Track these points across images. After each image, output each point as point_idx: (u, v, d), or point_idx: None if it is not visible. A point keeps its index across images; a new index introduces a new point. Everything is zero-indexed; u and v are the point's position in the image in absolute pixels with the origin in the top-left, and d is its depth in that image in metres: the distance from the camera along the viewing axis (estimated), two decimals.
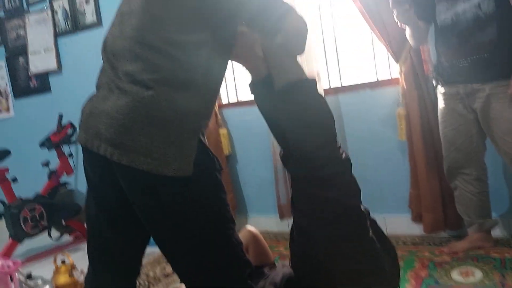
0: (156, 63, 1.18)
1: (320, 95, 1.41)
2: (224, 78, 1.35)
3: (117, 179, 1.25)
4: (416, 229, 2.75)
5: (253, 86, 1.43)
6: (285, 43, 1.28)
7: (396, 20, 2.19)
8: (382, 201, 2.87)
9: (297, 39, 1.29)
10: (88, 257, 1.45)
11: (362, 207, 1.37)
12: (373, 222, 1.43)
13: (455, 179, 2.38)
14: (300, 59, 1.44)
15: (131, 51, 1.21)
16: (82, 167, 1.37)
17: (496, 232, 2.49)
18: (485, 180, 2.35)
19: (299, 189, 1.36)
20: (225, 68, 1.33)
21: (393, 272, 1.40)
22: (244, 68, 1.46)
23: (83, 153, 1.33)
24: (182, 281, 1.39)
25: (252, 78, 1.43)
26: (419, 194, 2.64)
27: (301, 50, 1.33)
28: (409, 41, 2.36)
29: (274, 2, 1.25)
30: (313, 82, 1.39)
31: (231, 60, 1.43)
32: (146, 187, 1.20)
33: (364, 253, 1.30)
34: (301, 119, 1.32)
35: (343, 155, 1.35)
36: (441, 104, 2.35)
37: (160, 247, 1.34)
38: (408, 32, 2.30)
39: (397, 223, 2.83)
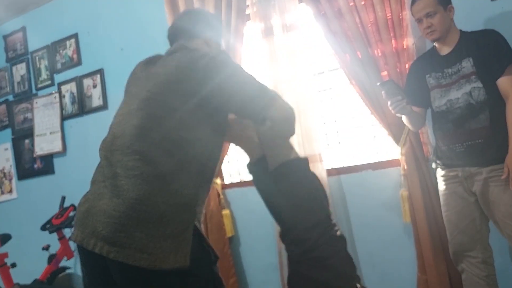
0: (154, 158, 1.22)
1: (313, 174, 1.42)
2: (221, 160, 1.40)
3: (111, 278, 1.24)
4: None
5: (250, 167, 1.47)
6: (274, 129, 1.34)
7: (390, 109, 2.26)
8: (390, 286, 2.80)
9: (284, 124, 1.36)
10: None
11: (358, 285, 1.33)
12: None
13: (462, 262, 2.34)
14: (295, 139, 1.50)
15: (129, 147, 1.25)
16: None
17: None
18: (492, 263, 2.31)
19: (295, 270, 1.34)
20: (219, 155, 1.38)
21: None
22: (241, 149, 1.51)
23: (78, 251, 1.32)
24: None
25: (249, 158, 1.47)
26: (427, 279, 2.58)
27: (290, 133, 1.39)
28: (407, 126, 2.43)
29: (258, 93, 1.33)
30: (304, 162, 1.42)
31: (228, 141, 1.51)
32: (143, 284, 1.19)
33: None
34: (294, 199, 1.34)
35: (338, 233, 1.34)
36: (441, 187, 2.36)
37: None
38: (404, 119, 2.37)
39: None
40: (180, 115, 1.27)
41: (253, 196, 3.21)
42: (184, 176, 1.23)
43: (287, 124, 1.37)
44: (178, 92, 1.29)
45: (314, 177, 1.40)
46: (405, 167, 2.66)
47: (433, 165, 2.43)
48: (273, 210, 1.42)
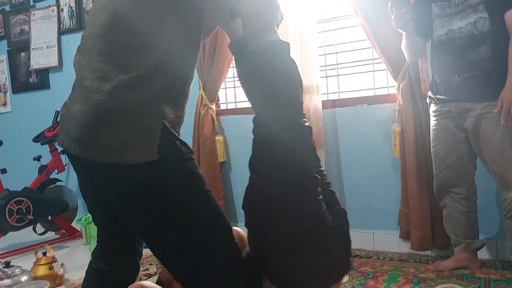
0: (117, 57, 1.20)
1: (292, 60, 1.35)
2: (194, 69, 1.33)
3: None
4: (404, 247, 2.74)
5: (231, 46, 1.39)
6: (247, 25, 1.27)
7: (392, 23, 2.22)
8: (372, 217, 2.87)
9: (258, 18, 1.28)
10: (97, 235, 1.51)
11: (318, 179, 1.33)
12: (332, 193, 1.42)
13: (444, 198, 2.38)
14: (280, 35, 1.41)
15: (95, 49, 1.24)
16: None
17: (483, 255, 2.47)
18: (474, 200, 2.35)
19: (258, 150, 1.33)
20: (193, 54, 1.31)
21: (343, 248, 1.36)
22: (224, 31, 1.43)
23: (66, 154, 1.36)
24: (165, 267, 1.38)
25: (230, 39, 1.39)
26: (409, 212, 2.63)
27: (271, 21, 1.30)
28: (404, 54, 2.39)
29: None
30: (285, 45, 1.35)
31: (212, 25, 1.42)
32: (111, 181, 1.22)
33: (313, 223, 1.28)
34: (268, 80, 1.30)
35: (306, 123, 1.33)
36: (433, 122, 2.36)
37: (141, 238, 1.36)
38: (403, 43, 2.32)
39: (385, 240, 2.82)
40: (142, 9, 1.22)
41: (247, 124, 3.24)
42: (150, 73, 1.20)
43: (261, 17, 1.27)
44: None
45: (292, 64, 1.35)
46: (401, 102, 2.65)
47: (427, 100, 2.42)
48: (247, 90, 1.37)
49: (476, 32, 2.08)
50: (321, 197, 1.30)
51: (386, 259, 2.64)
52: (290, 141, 1.28)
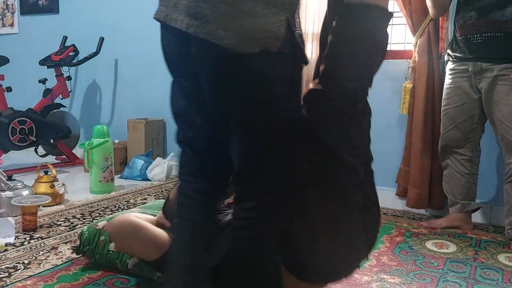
0: None
1: (386, 32, 1.23)
2: None
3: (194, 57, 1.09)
4: (399, 204, 2.77)
5: None
6: None
7: None
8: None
9: None
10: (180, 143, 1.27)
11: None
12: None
13: (448, 158, 2.39)
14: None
15: None
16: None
17: (476, 218, 2.51)
18: (477, 163, 2.36)
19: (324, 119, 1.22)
20: None
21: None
22: None
23: (161, 31, 1.16)
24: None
25: None
26: (409, 170, 2.65)
27: None
28: (429, 8, 2.33)
29: None
30: (388, 15, 1.21)
31: None
32: (220, 65, 1.04)
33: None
34: (356, 43, 1.18)
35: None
36: (448, 80, 2.34)
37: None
38: None
39: (381, 196, 2.71)
40: None
41: None
42: None
43: None
44: None
45: (386, 35, 1.22)
46: (416, 59, 2.61)
47: (445, 58, 2.38)
48: (329, 43, 1.20)
49: None
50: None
51: (380, 213, 2.68)
52: (361, 116, 1.24)
